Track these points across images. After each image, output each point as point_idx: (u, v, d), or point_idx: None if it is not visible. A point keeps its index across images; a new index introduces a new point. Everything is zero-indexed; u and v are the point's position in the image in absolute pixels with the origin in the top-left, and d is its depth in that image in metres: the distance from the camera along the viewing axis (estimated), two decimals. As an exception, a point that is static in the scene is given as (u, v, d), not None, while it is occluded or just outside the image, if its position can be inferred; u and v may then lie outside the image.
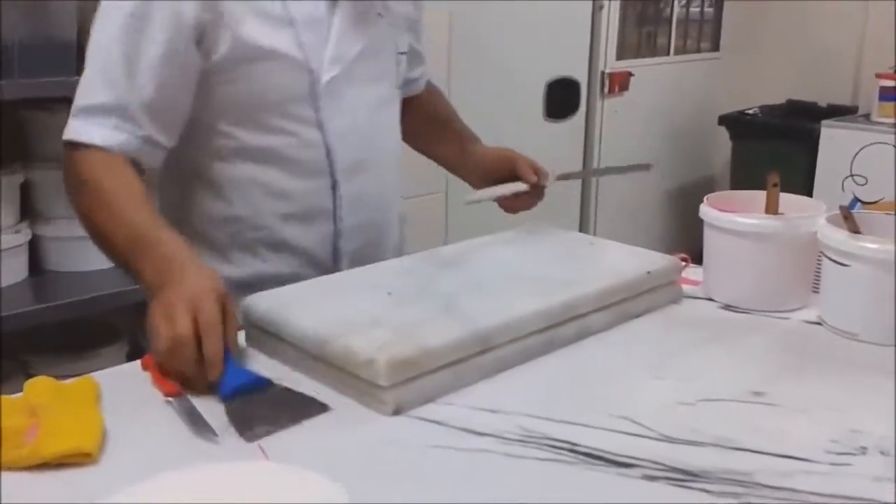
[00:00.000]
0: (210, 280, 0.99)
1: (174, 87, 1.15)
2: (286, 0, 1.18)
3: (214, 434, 0.85)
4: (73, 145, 1.15)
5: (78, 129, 1.15)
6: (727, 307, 1.21)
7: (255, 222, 1.24)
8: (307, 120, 1.21)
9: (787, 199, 1.23)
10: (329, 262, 1.28)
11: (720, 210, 1.21)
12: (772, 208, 1.21)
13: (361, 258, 1.28)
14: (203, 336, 0.92)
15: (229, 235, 1.26)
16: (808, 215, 1.18)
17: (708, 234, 1.23)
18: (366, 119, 1.27)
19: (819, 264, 1.17)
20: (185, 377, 0.93)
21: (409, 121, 1.42)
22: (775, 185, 1.21)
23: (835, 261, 1.11)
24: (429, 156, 1.54)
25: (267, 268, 1.25)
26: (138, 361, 0.99)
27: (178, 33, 1.12)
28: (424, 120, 1.50)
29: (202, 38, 1.14)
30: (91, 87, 1.15)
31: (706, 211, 1.22)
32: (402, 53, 1.35)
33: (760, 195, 1.23)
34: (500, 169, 1.42)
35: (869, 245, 1.07)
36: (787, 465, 0.81)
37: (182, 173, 1.27)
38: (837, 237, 1.10)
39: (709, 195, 1.25)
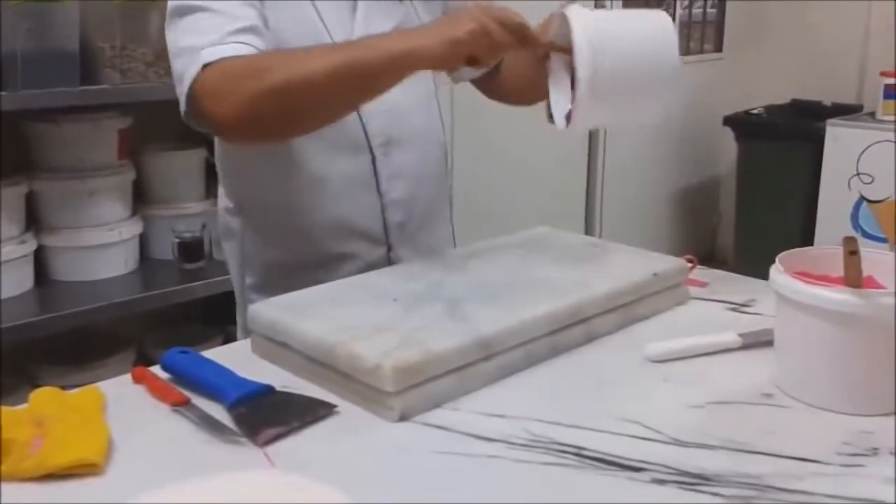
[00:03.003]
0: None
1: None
2: None
3: (236, 435, 0.85)
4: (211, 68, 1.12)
5: (235, 48, 1.13)
6: (735, 309, 1.20)
7: (305, 203, 1.29)
8: None
9: (872, 259, 0.94)
10: (380, 236, 1.33)
11: (798, 276, 0.92)
12: (853, 280, 0.89)
13: (412, 235, 1.36)
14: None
15: (282, 219, 1.31)
16: None
17: (779, 307, 0.96)
18: (397, 98, 1.24)
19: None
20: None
21: (502, 84, 1.42)
22: (853, 252, 0.89)
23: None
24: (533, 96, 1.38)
25: (324, 247, 1.31)
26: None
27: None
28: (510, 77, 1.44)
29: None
30: (231, 16, 1.16)
31: (776, 276, 0.94)
32: None
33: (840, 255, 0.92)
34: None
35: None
36: (799, 468, 0.80)
37: (240, 160, 1.35)
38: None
39: (782, 255, 0.96)
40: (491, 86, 1.43)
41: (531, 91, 1.27)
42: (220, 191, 1.41)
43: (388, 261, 1.34)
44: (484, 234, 1.46)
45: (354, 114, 1.26)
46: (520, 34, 1.11)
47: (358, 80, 1.10)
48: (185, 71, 1.13)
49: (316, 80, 1.08)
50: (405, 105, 1.32)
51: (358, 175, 1.30)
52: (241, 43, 1.13)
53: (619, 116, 1.20)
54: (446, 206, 1.46)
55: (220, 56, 1.11)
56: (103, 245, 2.06)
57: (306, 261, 1.31)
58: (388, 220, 1.33)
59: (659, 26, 1.12)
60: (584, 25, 1.08)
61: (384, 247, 1.34)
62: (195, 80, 1.11)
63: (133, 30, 1.99)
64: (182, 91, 1.14)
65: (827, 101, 3.69)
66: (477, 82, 1.43)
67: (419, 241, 1.38)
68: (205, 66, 1.11)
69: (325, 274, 1.27)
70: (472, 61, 1.11)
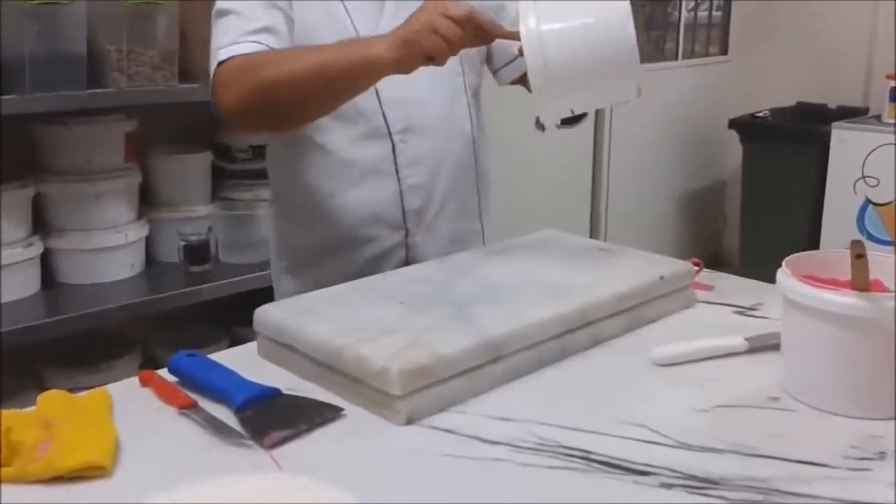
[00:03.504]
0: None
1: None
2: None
3: (243, 438, 0.85)
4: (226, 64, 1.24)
5: (248, 46, 1.24)
6: (742, 313, 1.20)
7: (329, 189, 1.37)
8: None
9: (879, 263, 0.93)
10: (399, 221, 1.39)
11: (805, 279, 0.92)
12: (860, 284, 0.89)
13: (431, 223, 1.40)
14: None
15: (311, 204, 1.39)
16: None
17: (786, 310, 0.96)
18: (418, 88, 1.33)
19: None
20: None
21: None
22: (860, 256, 0.89)
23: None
24: None
25: (347, 232, 1.38)
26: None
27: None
28: None
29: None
30: (251, 17, 1.26)
31: (783, 280, 0.94)
32: None
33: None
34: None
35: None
36: (806, 471, 0.80)
37: (276, 154, 1.46)
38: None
39: (789, 258, 0.96)
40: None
41: None
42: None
43: (406, 247, 1.39)
44: (490, 237, 1.46)
45: (375, 102, 1.33)
46: (468, 25, 1.13)
47: (329, 82, 1.19)
48: (211, 69, 1.26)
49: (297, 79, 1.18)
50: (425, 95, 1.37)
51: (379, 161, 1.36)
52: (255, 42, 1.24)
53: (584, 100, 1.19)
54: (473, 199, 1.48)
55: (233, 53, 1.23)
56: (110, 248, 2.06)
57: (331, 244, 1.39)
58: (406, 205, 1.38)
59: (612, 3, 1.09)
60: (531, 12, 1.08)
61: (402, 231, 1.39)
62: (213, 76, 1.25)
63: (140, 33, 1.99)
64: (209, 87, 1.27)
65: (832, 104, 3.68)
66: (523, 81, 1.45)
67: (438, 229, 1.41)
68: (220, 62, 1.24)
69: (347, 257, 1.37)
70: (428, 59, 1.14)
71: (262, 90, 1.20)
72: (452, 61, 1.35)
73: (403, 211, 1.39)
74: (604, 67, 1.09)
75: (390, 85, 1.29)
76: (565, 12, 1.10)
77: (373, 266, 1.37)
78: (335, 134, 1.35)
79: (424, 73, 1.28)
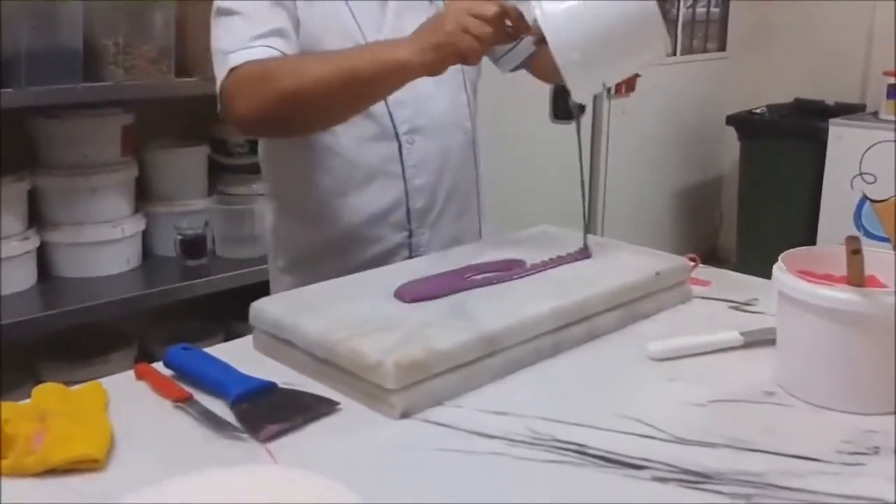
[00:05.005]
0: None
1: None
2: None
3: (238, 431, 0.85)
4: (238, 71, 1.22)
5: (260, 52, 1.22)
6: (737, 308, 1.20)
7: (335, 189, 1.36)
8: None
9: (875, 259, 0.93)
10: (403, 221, 1.38)
11: (800, 274, 0.91)
12: (856, 279, 0.89)
13: (434, 223, 1.40)
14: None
15: (316, 204, 1.37)
16: None
17: (781, 305, 0.96)
18: (423, 88, 1.31)
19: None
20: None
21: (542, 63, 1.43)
22: (856, 251, 0.89)
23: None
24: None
25: (351, 231, 1.37)
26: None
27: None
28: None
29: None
30: (259, 19, 1.24)
31: (779, 275, 0.93)
32: None
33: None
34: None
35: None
36: (800, 466, 0.80)
37: (276, 152, 1.43)
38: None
39: (785, 253, 0.96)
40: (536, 68, 1.48)
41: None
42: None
43: (409, 247, 1.39)
44: (487, 233, 1.46)
45: (382, 103, 1.32)
46: (499, 22, 1.12)
47: (355, 88, 1.18)
48: (217, 72, 1.25)
49: (319, 87, 1.17)
50: (431, 94, 1.36)
51: (385, 162, 1.35)
52: (266, 47, 1.22)
53: (615, 70, 1.17)
54: (473, 197, 1.48)
55: (244, 60, 1.21)
56: (106, 242, 2.06)
57: (334, 243, 1.38)
58: (410, 205, 1.38)
59: None
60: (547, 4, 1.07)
61: (406, 232, 1.39)
62: (223, 83, 1.23)
63: (136, 27, 1.99)
64: (216, 90, 1.25)
65: (830, 101, 3.69)
66: (525, 65, 1.45)
67: (441, 229, 1.41)
68: (231, 69, 1.22)
69: (349, 257, 1.36)
70: (461, 59, 1.13)
71: (284, 100, 1.18)
72: None
73: (408, 211, 1.38)
74: (629, 32, 1.08)
75: None
76: None
77: (375, 266, 1.34)
78: (343, 135, 1.33)
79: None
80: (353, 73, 1.16)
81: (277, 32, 1.24)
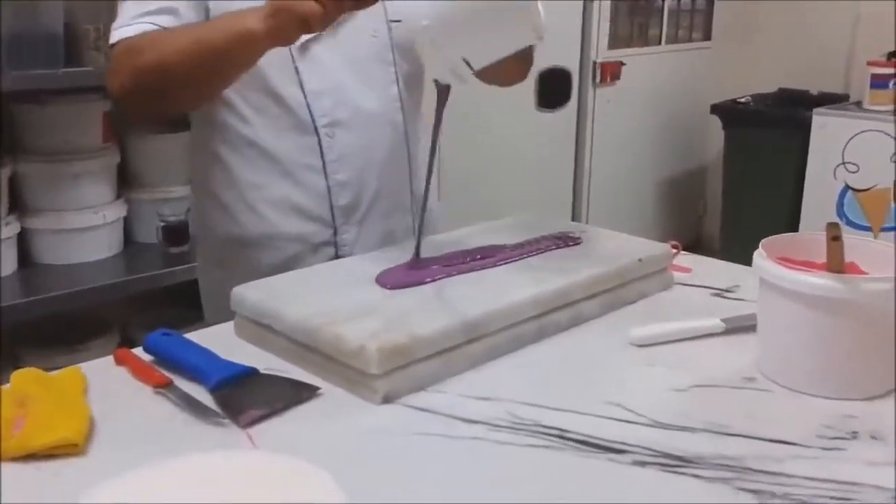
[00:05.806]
0: None
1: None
2: None
3: (217, 416, 0.85)
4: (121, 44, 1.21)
5: (136, 28, 1.20)
6: (719, 295, 1.20)
7: (253, 181, 1.32)
8: (289, 80, 1.28)
9: (855, 246, 0.94)
10: (327, 218, 1.34)
11: (781, 261, 0.92)
12: (835, 266, 0.90)
13: (361, 220, 1.35)
14: None
15: (234, 195, 1.33)
16: (887, 277, 0.88)
17: (762, 292, 0.96)
18: (345, 79, 1.30)
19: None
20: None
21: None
22: (836, 238, 0.90)
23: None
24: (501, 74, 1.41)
25: (271, 226, 1.33)
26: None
27: None
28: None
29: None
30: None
31: (759, 262, 0.94)
32: (394, 21, 1.34)
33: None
34: None
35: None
36: (780, 451, 0.80)
37: (197, 139, 1.40)
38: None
39: (766, 240, 0.96)
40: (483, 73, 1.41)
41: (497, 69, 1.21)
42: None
43: (335, 245, 1.35)
44: (472, 221, 1.46)
45: (300, 94, 1.28)
46: None
47: (212, 59, 1.15)
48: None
49: (180, 60, 1.14)
50: (353, 86, 1.31)
51: (304, 155, 1.31)
52: (144, 23, 1.20)
53: (477, 50, 1.05)
54: (405, 194, 1.42)
55: (121, 36, 1.20)
56: (87, 228, 2.04)
57: (256, 238, 1.34)
58: (334, 202, 1.33)
59: None
60: None
61: (330, 229, 1.34)
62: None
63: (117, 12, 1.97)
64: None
65: (814, 90, 3.70)
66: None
67: (369, 227, 1.36)
68: (111, 46, 1.21)
69: (272, 252, 1.33)
70: (304, 25, 1.06)
71: (145, 74, 1.17)
72: (383, 50, 1.33)
73: (332, 207, 1.33)
74: (490, 9, 1.01)
75: (315, 77, 1.27)
76: None
77: (299, 262, 1.31)
78: (260, 126, 1.30)
79: (349, 63, 1.26)
80: (209, 43, 1.13)
81: (167, 10, 1.21)
